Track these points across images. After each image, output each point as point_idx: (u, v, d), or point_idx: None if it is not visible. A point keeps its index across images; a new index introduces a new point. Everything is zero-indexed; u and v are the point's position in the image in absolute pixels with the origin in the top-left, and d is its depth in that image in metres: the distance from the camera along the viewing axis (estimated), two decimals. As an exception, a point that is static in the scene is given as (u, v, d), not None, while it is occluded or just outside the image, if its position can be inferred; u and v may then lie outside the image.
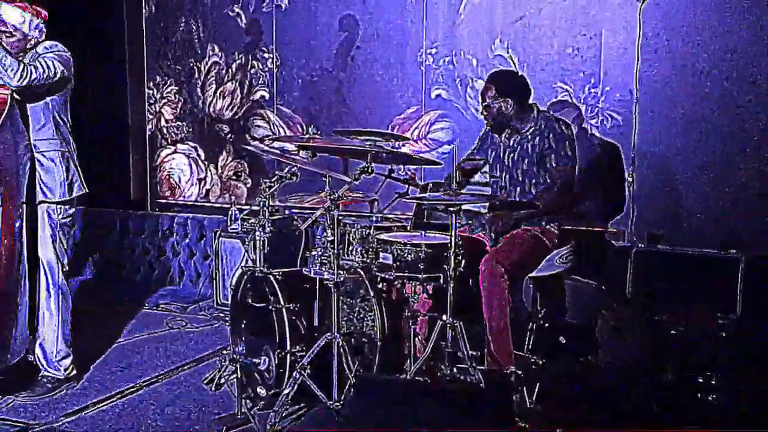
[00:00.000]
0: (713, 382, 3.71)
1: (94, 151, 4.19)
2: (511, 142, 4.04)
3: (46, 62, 3.68)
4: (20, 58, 3.65)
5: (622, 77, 4.81)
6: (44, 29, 3.83)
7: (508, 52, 5.08)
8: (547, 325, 4.03)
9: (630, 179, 4.82)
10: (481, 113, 4.16)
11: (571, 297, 4.40)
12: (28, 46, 3.80)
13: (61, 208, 3.89)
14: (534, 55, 5.01)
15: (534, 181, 3.95)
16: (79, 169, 3.96)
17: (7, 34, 3.71)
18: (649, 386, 3.80)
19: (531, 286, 4.02)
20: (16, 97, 3.66)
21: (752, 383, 3.79)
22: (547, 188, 3.91)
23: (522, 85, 4.08)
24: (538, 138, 3.93)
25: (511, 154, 4.03)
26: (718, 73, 4.57)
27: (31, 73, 3.61)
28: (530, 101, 4.05)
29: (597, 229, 4.77)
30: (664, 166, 4.76)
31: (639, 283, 4.38)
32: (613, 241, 4.80)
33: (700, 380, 3.72)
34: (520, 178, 3.99)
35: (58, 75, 3.73)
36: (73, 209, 4.00)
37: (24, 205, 3.76)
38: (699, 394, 3.71)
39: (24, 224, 3.77)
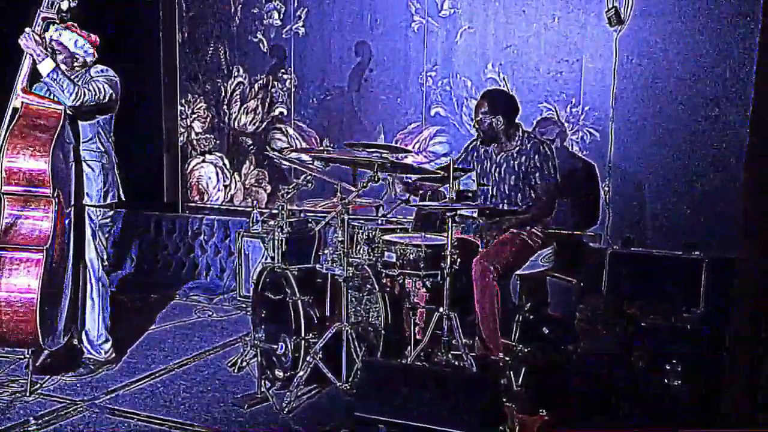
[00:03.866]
0: (678, 369, 3.71)
1: (134, 160, 4.19)
2: (498, 159, 4.04)
3: (97, 86, 3.71)
4: (74, 78, 3.67)
5: (599, 98, 4.81)
6: (91, 50, 3.84)
7: (499, 75, 5.09)
8: (531, 317, 4.04)
9: (606, 188, 4.82)
10: (474, 126, 4.16)
11: (553, 293, 4.41)
12: (76, 64, 3.81)
13: (100, 210, 3.91)
14: (522, 78, 5.01)
15: (520, 195, 3.97)
16: (118, 179, 3.97)
17: (59, 51, 3.74)
18: (621, 373, 3.81)
19: (518, 282, 4.02)
20: (68, 112, 3.69)
21: (712, 370, 3.79)
22: (534, 201, 3.92)
23: (511, 104, 4.08)
24: (524, 157, 3.94)
25: (498, 169, 4.04)
26: (684, 95, 4.58)
27: (85, 95, 3.63)
28: (517, 120, 4.06)
29: (576, 233, 4.78)
30: (636, 176, 4.76)
31: (613, 280, 4.38)
32: (591, 244, 4.81)
33: (667, 367, 3.72)
34: (508, 192, 3.99)
35: (107, 97, 3.76)
36: (112, 212, 4.01)
37: (72, 207, 3.78)
38: (665, 380, 3.71)
39: (71, 224, 3.79)
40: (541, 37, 4.95)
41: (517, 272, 3.93)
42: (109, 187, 3.92)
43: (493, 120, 3.97)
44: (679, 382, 3.70)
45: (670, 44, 4.60)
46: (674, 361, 3.72)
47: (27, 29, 3.58)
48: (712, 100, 4.51)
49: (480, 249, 3.93)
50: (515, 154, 3.98)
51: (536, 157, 3.91)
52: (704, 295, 4.10)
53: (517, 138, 3.99)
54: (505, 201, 4.00)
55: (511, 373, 3.59)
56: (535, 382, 3.61)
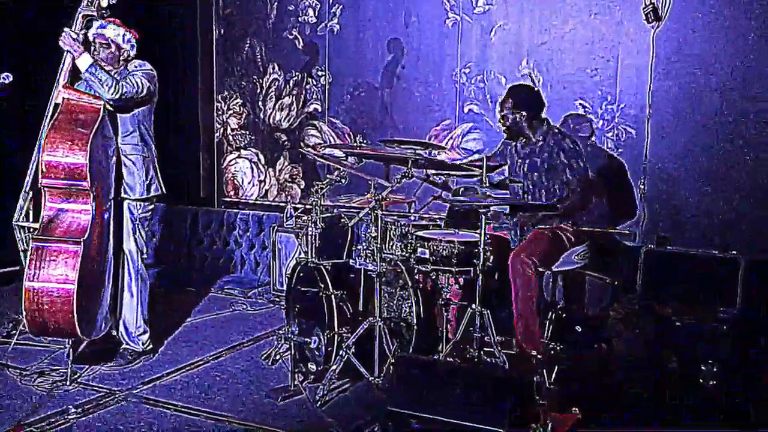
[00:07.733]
0: (714, 370, 3.64)
1: (171, 156, 4.24)
2: (522, 154, 4.00)
3: (135, 80, 3.76)
4: (113, 73, 3.73)
5: (636, 95, 4.75)
6: (135, 45, 3.90)
7: (533, 72, 5.04)
8: (564, 315, 4.00)
9: (642, 186, 4.75)
10: (498, 121, 4.12)
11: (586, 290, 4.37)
12: (122, 59, 3.86)
13: (141, 204, 3.96)
14: (557, 75, 4.96)
15: (544, 191, 3.91)
16: (158, 172, 4.02)
17: (105, 46, 3.79)
18: (654, 373, 3.75)
19: (550, 279, 3.98)
20: (108, 108, 3.75)
21: (749, 371, 3.72)
22: (567, 195, 3.86)
23: (536, 100, 4.01)
24: (546, 154, 3.88)
25: (523, 165, 3.99)
26: (721, 92, 4.50)
27: (123, 88, 3.68)
28: (543, 115, 4.00)
29: (610, 230, 4.72)
30: (672, 174, 4.68)
31: (648, 279, 4.31)
32: (626, 242, 4.74)
33: (702, 368, 3.65)
34: (531, 187, 3.95)
35: (145, 90, 3.80)
36: (152, 205, 4.06)
37: (111, 201, 3.84)
38: (700, 380, 3.65)
39: (111, 217, 3.84)
40: (576, 33, 4.89)
41: (554, 268, 3.88)
42: (152, 180, 3.98)
43: (518, 116, 3.92)
44: (715, 382, 3.64)
45: (708, 40, 4.51)
46: (710, 361, 3.66)
47: (65, 29, 3.65)
48: (752, 98, 4.42)
49: (512, 244, 3.90)
50: (537, 150, 3.93)
51: (561, 154, 3.84)
52: (741, 295, 4.02)
53: (541, 132, 3.93)
54: (528, 196, 3.95)
55: (544, 371, 3.56)
56: (568, 381, 3.58)
